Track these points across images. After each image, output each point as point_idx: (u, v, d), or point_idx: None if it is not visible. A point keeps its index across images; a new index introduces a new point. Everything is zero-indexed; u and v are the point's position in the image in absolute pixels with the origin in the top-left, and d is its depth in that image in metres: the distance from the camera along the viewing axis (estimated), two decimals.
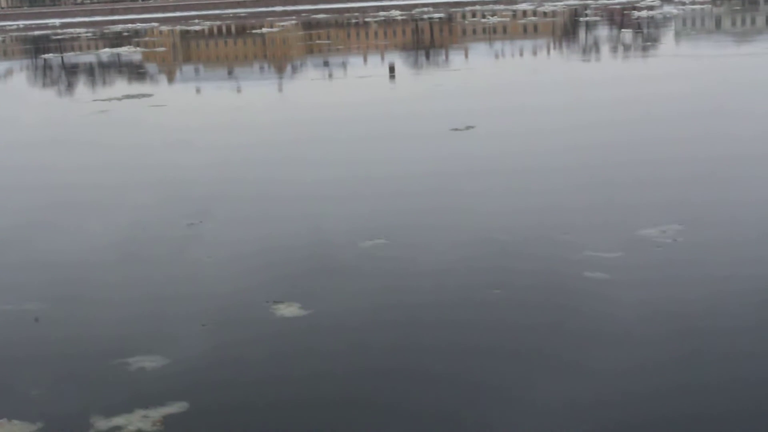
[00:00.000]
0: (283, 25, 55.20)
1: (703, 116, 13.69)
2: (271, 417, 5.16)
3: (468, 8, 62.58)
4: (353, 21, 57.61)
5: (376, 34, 45.77)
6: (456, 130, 13.47)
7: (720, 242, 7.62)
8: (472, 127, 13.67)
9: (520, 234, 8.12)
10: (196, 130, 15.88)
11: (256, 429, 5.06)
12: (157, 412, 5.22)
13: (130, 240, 8.83)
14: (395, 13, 60.42)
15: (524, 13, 54.63)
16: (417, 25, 48.71)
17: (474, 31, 42.46)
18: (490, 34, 40.31)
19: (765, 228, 7.92)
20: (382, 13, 61.72)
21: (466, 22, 48.73)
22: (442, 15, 57.86)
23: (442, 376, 5.49)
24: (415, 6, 66.73)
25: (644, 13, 45.09)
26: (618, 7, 53.03)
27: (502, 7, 62.03)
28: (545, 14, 52.28)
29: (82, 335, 6.54)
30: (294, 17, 66.86)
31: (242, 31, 52.96)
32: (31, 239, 9.02)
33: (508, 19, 49.58)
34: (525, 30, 41.87)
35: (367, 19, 57.21)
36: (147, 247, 8.57)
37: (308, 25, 55.23)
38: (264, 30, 50.72)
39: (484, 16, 51.82)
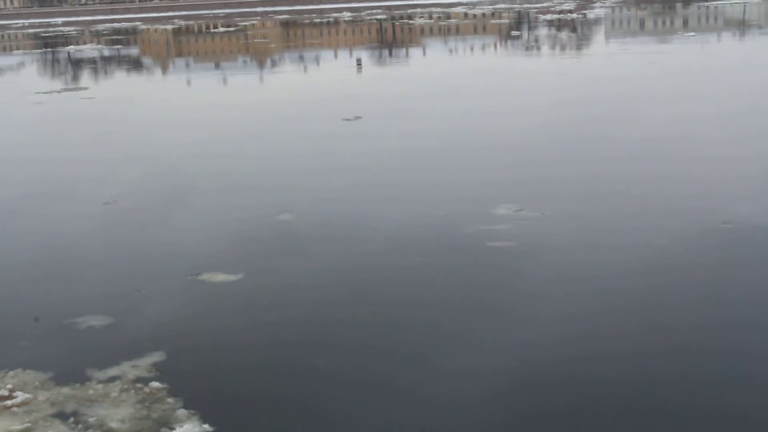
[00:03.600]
0: (245, 25, 57.61)
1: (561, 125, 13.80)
2: (234, 349, 5.66)
3: (411, 10, 66.79)
4: (306, 21, 60.36)
5: (345, 32, 48.94)
6: (347, 119, 14.94)
7: (575, 215, 8.25)
8: (360, 116, 15.25)
9: (408, 220, 8.38)
10: (113, 123, 16.54)
11: (230, 359, 5.45)
12: (143, 362, 5.21)
13: (50, 222, 9.16)
14: (346, 14, 64.69)
15: (450, 16, 57.90)
16: (381, 25, 51.51)
17: (403, 31, 45.99)
18: (436, 34, 43.79)
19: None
20: (334, 15, 65.81)
21: (396, 23, 51.83)
22: (384, 16, 61.74)
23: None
24: (364, 8, 71.38)
25: (549, 17, 49.31)
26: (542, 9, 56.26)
27: (439, 10, 65.57)
28: (474, 16, 55.77)
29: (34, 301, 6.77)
30: (259, 17, 69.83)
31: (200, 31, 54.83)
32: None
33: (433, 20, 52.88)
34: (455, 30, 45.26)
35: (316, 20, 60.27)
36: (71, 228, 8.89)
37: (281, 25, 57.34)
38: (221, 29, 53.18)
39: (411, 18, 55.73)
